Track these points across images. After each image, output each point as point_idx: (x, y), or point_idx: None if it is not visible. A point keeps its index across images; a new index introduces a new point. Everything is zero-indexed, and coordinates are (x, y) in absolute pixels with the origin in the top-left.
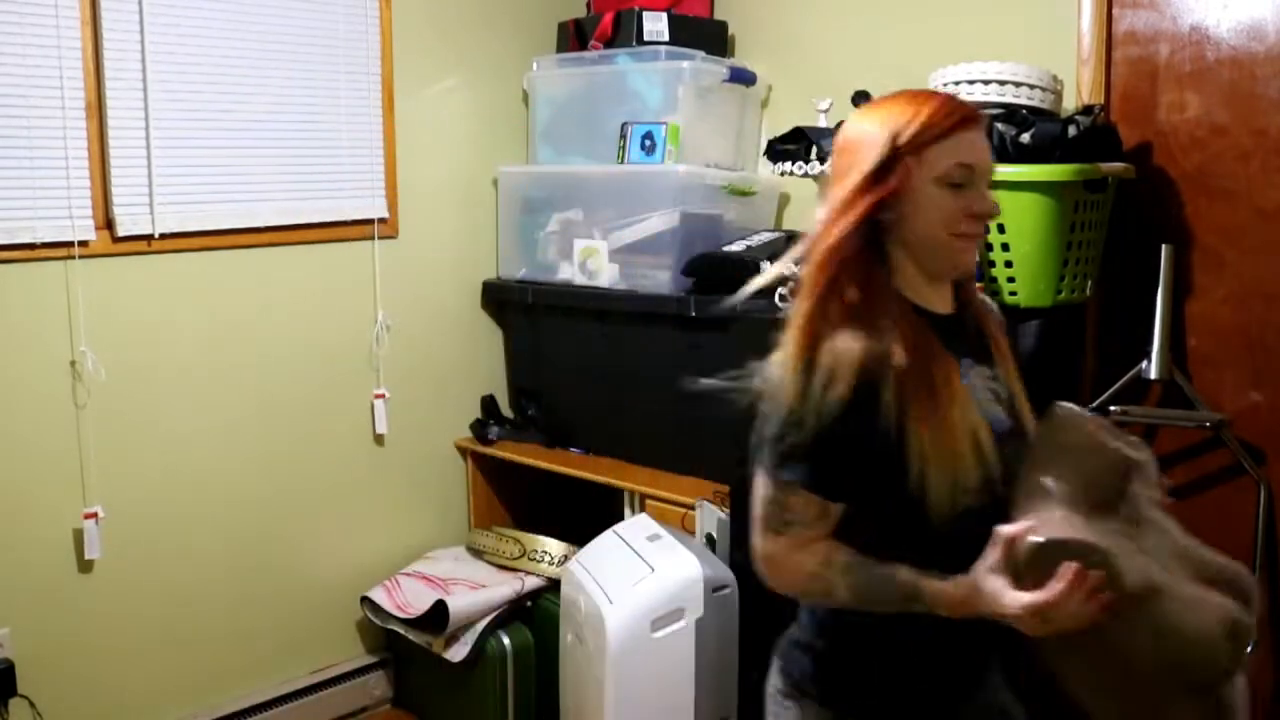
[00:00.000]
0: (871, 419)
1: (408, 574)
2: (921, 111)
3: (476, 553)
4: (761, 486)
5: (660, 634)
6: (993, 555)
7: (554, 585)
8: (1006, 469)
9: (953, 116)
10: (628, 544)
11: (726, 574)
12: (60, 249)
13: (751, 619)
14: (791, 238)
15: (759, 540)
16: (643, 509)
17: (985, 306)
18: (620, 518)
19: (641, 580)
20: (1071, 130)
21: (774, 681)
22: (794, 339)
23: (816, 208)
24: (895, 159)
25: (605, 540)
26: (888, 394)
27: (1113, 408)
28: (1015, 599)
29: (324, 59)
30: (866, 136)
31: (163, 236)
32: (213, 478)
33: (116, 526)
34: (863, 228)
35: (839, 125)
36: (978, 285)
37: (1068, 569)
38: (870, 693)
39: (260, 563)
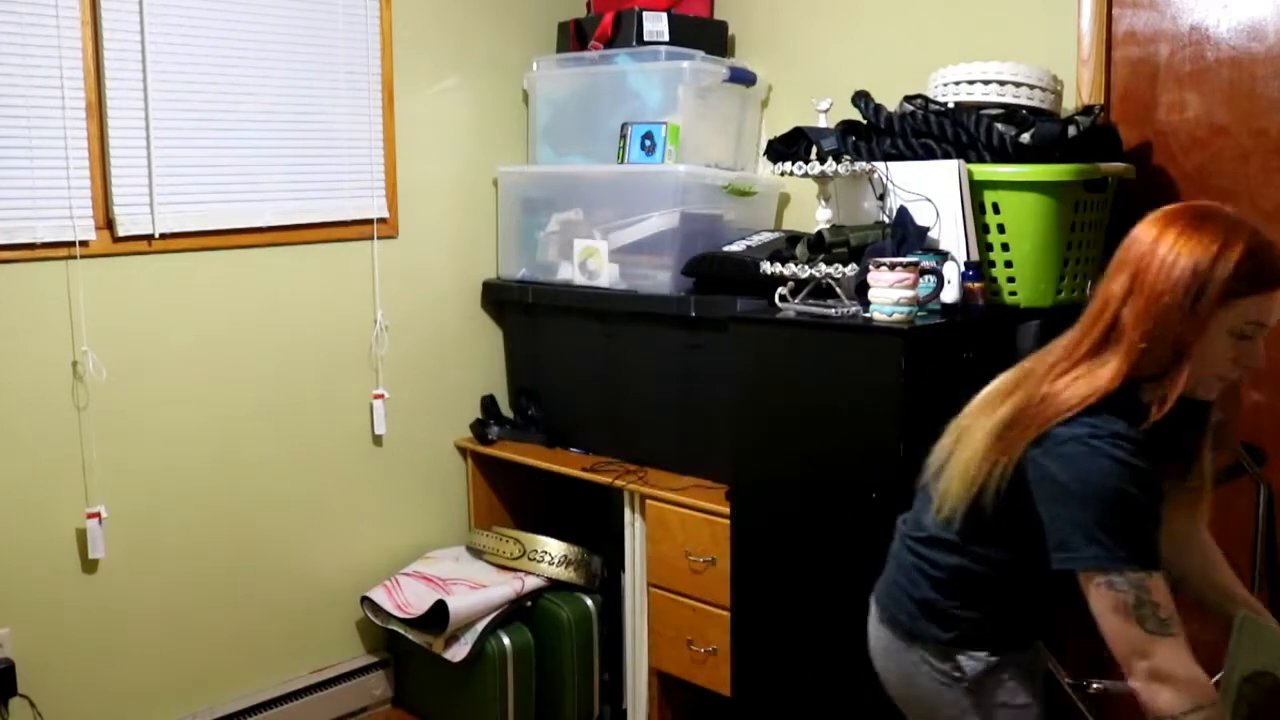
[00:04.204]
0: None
1: (408, 574)
2: (1229, 257)
3: (476, 553)
4: (1107, 591)
5: None
6: None
7: (554, 585)
8: None
9: (1262, 274)
10: None
11: None
12: (60, 249)
13: None
14: (792, 238)
15: (1143, 659)
16: (643, 509)
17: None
18: (620, 518)
19: None
20: (1071, 130)
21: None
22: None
23: (817, 208)
24: (1195, 312)
25: None
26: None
27: None
28: None
29: (324, 59)
30: (1165, 268)
31: (163, 236)
32: (213, 477)
33: (118, 526)
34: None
35: (840, 125)
36: (978, 285)
37: None
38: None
39: (261, 563)
